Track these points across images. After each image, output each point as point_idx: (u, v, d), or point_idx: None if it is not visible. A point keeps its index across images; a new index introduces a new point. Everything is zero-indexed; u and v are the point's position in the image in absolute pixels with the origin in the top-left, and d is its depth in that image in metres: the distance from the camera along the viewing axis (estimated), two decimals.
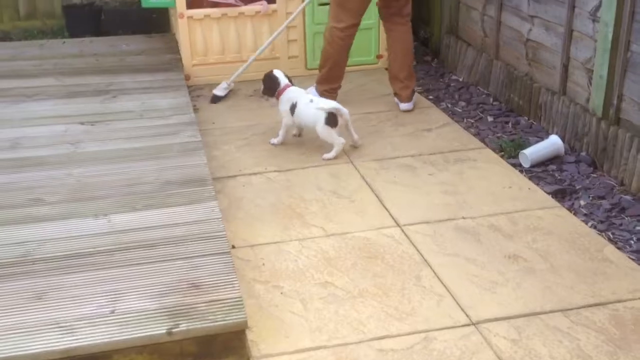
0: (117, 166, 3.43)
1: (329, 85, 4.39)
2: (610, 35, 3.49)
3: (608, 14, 3.49)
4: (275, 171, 3.70)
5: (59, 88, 4.55)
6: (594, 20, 3.65)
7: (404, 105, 4.44)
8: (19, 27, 6.10)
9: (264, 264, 2.88)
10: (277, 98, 3.96)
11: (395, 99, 4.50)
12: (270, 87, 3.99)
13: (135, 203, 3.08)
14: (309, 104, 3.82)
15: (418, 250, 2.95)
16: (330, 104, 3.80)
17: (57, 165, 3.43)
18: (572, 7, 3.82)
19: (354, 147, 3.91)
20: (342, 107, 3.81)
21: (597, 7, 3.60)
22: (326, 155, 3.80)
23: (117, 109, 4.20)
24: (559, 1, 3.93)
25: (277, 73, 4.01)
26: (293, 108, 3.87)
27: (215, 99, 4.69)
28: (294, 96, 3.89)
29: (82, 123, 3.96)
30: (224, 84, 4.75)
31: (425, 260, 2.88)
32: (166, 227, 2.89)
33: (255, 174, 3.67)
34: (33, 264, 2.64)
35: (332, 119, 3.74)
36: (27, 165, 3.43)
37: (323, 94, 4.34)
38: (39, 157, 3.53)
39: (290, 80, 4.01)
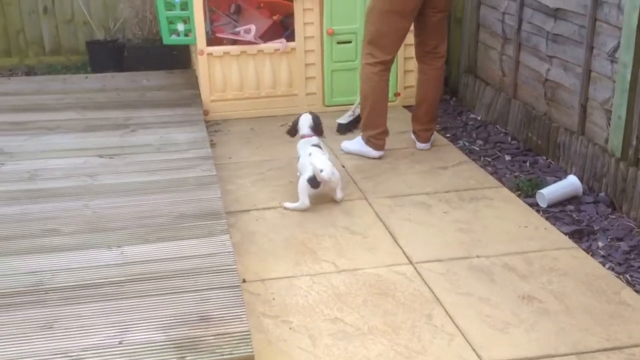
0: (132, 198, 3.45)
1: (373, 130, 4.25)
2: (628, 76, 3.48)
3: (627, 55, 3.48)
4: None
5: (79, 122, 4.62)
6: (612, 61, 3.65)
7: (421, 145, 4.43)
8: (43, 62, 6.23)
9: (274, 299, 2.86)
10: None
11: (413, 137, 4.50)
12: (292, 130, 4.00)
13: (148, 235, 3.09)
14: (306, 158, 3.69)
15: (430, 288, 2.92)
16: (321, 165, 3.56)
17: (74, 197, 3.46)
18: (591, 48, 3.82)
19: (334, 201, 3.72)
20: (333, 176, 3.59)
21: (616, 48, 3.60)
22: (287, 205, 3.65)
23: (135, 143, 4.25)
24: (577, 42, 3.93)
25: (302, 120, 3.93)
26: (298, 159, 3.84)
27: (341, 128, 4.74)
28: (300, 148, 3.85)
29: (100, 156, 4.01)
30: (349, 112, 4.82)
31: (437, 299, 2.84)
32: (177, 260, 2.89)
33: (269, 208, 3.67)
34: (45, 294, 2.64)
35: (314, 181, 3.58)
36: (44, 197, 3.46)
37: (370, 141, 4.25)
38: (56, 188, 3.56)
39: (316, 127, 3.91)
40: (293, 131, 3.99)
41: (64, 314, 2.51)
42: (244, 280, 2.98)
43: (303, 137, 3.91)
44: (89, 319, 2.48)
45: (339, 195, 3.72)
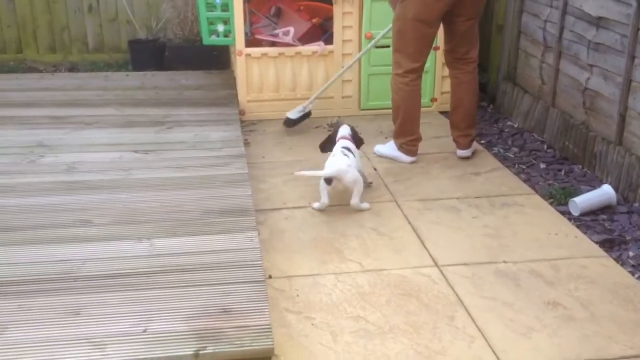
0: (164, 193, 3.51)
1: (405, 138, 4.25)
2: None
3: None
4: None
5: (117, 118, 4.72)
6: None
7: (461, 152, 4.37)
8: (86, 59, 6.37)
9: (298, 295, 2.88)
10: None
11: (455, 144, 4.42)
12: (327, 141, 3.97)
13: (177, 229, 3.14)
14: (331, 158, 3.74)
15: (454, 291, 2.91)
16: (335, 165, 3.62)
17: (108, 190, 3.54)
18: (632, 57, 3.76)
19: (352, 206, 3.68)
20: (347, 173, 3.58)
21: None
22: (314, 205, 3.68)
23: (170, 140, 4.32)
24: (619, 51, 3.87)
25: (342, 128, 3.94)
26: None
27: (289, 122, 4.82)
28: (335, 149, 3.84)
29: (135, 151, 4.09)
30: (299, 107, 4.88)
31: (461, 301, 2.83)
32: (205, 254, 2.93)
33: (299, 207, 3.70)
34: (75, 281, 2.71)
35: (328, 179, 3.61)
36: (79, 188, 3.54)
37: (402, 147, 4.26)
38: (91, 181, 3.64)
39: (354, 135, 3.93)
40: (328, 145, 3.92)
41: (91, 302, 2.57)
42: (270, 277, 3.01)
43: (339, 139, 3.90)
44: (114, 307, 2.54)
45: (354, 200, 3.64)
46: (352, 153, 3.78)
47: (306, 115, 4.90)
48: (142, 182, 3.66)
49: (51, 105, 4.99)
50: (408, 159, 4.29)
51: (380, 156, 4.39)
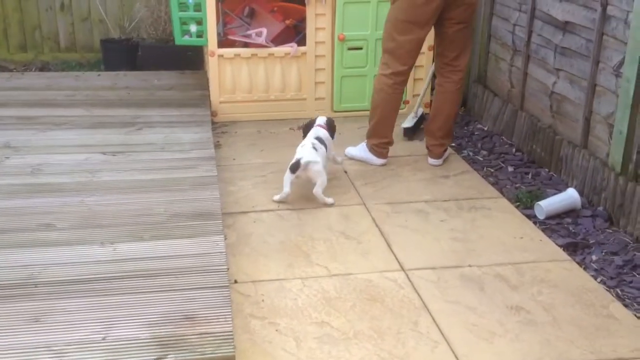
0: (130, 196, 3.49)
1: (378, 139, 4.26)
2: (631, 92, 3.46)
3: (631, 70, 3.46)
4: (287, 209, 3.71)
5: (87, 118, 4.67)
6: (617, 76, 3.63)
7: (432, 161, 4.35)
8: (58, 58, 6.31)
9: (263, 300, 2.88)
10: None
11: (370, 154, 4.35)
12: (308, 126, 4.10)
13: (142, 233, 3.13)
14: (300, 147, 3.86)
15: (419, 296, 2.92)
16: (302, 155, 3.74)
17: (73, 193, 3.51)
18: (597, 62, 3.80)
19: (323, 203, 3.77)
20: (314, 163, 3.71)
21: (621, 63, 3.58)
22: (275, 197, 3.79)
23: (139, 141, 4.29)
24: (584, 55, 3.91)
25: (319, 118, 4.12)
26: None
27: (408, 132, 4.74)
28: (305, 139, 3.96)
29: (103, 153, 4.06)
30: (411, 114, 4.83)
31: (425, 306, 2.85)
32: (169, 258, 2.92)
33: (267, 210, 3.70)
34: (34, 287, 2.68)
35: (294, 166, 3.70)
36: (43, 191, 3.51)
37: (373, 149, 4.26)
38: (56, 183, 3.61)
39: (329, 124, 4.08)
40: (306, 130, 4.05)
41: (51, 308, 2.55)
42: (236, 281, 3.00)
43: (316, 126, 4.01)
44: (75, 314, 2.52)
45: (317, 189, 3.73)
46: (324, 142, 3.91)
47: (421, 120, 4.86)
48: (108, 185, 3.63)
49: (19, 105, 4.94)
50: (379, 161, 4.31)
51: (351, 158, 4.40)
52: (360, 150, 4.39)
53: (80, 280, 2.73)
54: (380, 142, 4.28)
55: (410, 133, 4.74)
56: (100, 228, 3.15)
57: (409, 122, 4.80)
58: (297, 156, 3.76)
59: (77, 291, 2.65)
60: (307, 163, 3.71)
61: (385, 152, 4.31)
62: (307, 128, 4.08)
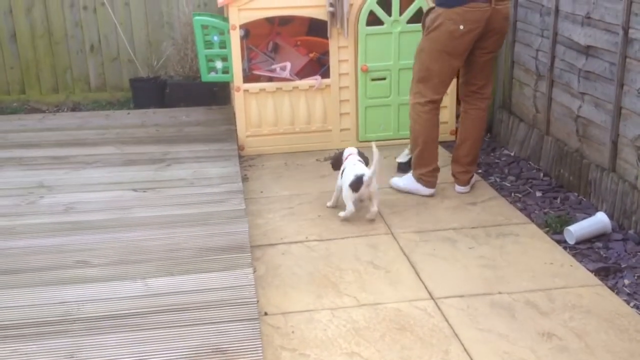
0: (161, 232, 3.56)
1: (425, 168, 4.22)
2: None
3: None
4: (315, 240, 3.74)
5: (117, 156, 4.79)
6: None
7: (460, 188, 4.34)
8: (89, 98, 6.46)
9: (293, 332, 2.89)
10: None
11: (453, 179, 4.40)
12: (337, 159, 4.12)
13: (173, 268, 3.18)
14: (351, 167, 3.90)
15: (449, 324, 2.92)
16: (362, 171, 3.82)
17: (106, 230, 3.59)
18: (621, 85, 3.79)
19: (369, 219, 3.90)
20: (374, 180, 3.80)
21: None
22: (340, 214, 3.92)
23: (169, 177, 4.38)
24: (608, 79, 3.91)
25: (347, 149, 4.13)
26: (342, 173, 3.97)
27: (403, 167, 4.65)
28: (347, 163, 3.98)
29: (134, 190, 4.14)
30: (405, 151, 4.70)
31: (456, 334, 2.84)
32: (200, 292, 2.96)
33: (295, 242, 3.73)
34: (71, 324, 2.75)
35: (355, 183, 3.78)
36: (77, 229, 3.60)
37: (421, 179, 4.22)
38: (89, 221, 3.69)
39: (361, 155, 4.07)
40: (337, 163, 4.08)
41: (85, 344, 2.60)
42: (265, 313, 3.03)
43: (347, 156, 4.04)
44: (109, 349, 2.57)
45: (374, 208, 3.86)
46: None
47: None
48: (139, 221, 3.70)
49: (52, 145, 5.07)
50: (427, 191, 4.25)
51: (398, 190, 4.36)
52: (406, 180, 4.35)
53: (113, 316, 2.78)
54: (427, 171, 4.23)
55: (405, 168, 4.63)
56: (133, 264, 3.22)
57: (402, 158, 4.73)
58: (354, 173, 3.80)
59: (111, 327, 2.71)
60: (370, 178, 3.77)
61: (434, 180, 4.26)
62: (336, 161, 4.10)
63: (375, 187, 3.85)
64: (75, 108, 6.34)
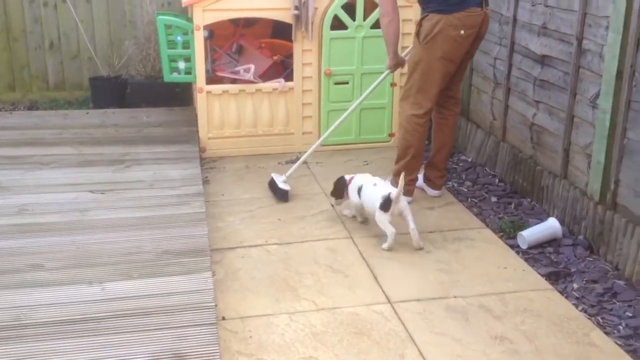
0: (119, 234, 3.54)
1: (408, 176, 4.10)
2: (607, 122, 3.55)
3: (606, 102, 3.56)
4: (275, 244, 3.76)
5: (75, 157, 4.73)
6: (593, 107, 3.72)
7: (434, 192, 4.41)
8: (46, 97, 6.38)
9: (251, 337, 2.91)
10: (348, 194, 3.97)
11: (424, 184, 4.44)
12: (339, 187, 4.01)
13: (131, 271, 3.17)
14: (372, 187, 3.81)
15: (406, 328, 2.97)
16: (388, 189, 3.73)
17: (62, 232, 3.55)
18: (574, 94, 3.90)
19: (416, 248, 3.71)
20: (401, 195, 3.69)
21: (597, 95, 3.67)
22: (384, 245, 3.70)
23: (128, 179, 4.35)
24: (562, 88, 4.01)
25: (344, 177, 4.03)
26: (359, 190, 3.88)
27: (284, 195, 4.36)
28: (360, 181, 3.90)
29: (92, 191, 4.10)
30: (283, 177, 4.45)
31: (412, 338, 2.89)
32: (157, 297, 2.96)
33: (255, 246, 3.74)
34: (23, 329, 2.71)
35: (386, 204, 3.66)
36: (31, 231, 3.55)
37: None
38: (44, 223, 3.65)
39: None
40: (340, 192, 4.00)
41: (38, 350, 2.57)
42: (223, 318, 3.03)
43: (350, 179, 3.97)
44: (63, 355, 2.55)
45: (411, 225, 3.68)
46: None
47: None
48: (97, 224, 3.67)
49: (7, 144, 4.99)
50: (406, 199, 4.22)
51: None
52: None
53: (68, 320, 2.76)
54: (408, 180, 4.19)
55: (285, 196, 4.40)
56: (89, 267, 3.19)
57: (285, 186, 4.41)
58: (380, 194, 3.68)
59: (65, 332, 2.68)
60: (398, 195, 3.66)
61: (412, 189, 4.29)
62: (341, 186, 4.01)
63: (405, 201, 3.75)
64: (32, 107, 6.25)
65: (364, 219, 4.01)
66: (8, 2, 6.15)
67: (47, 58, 6.37)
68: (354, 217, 4.06)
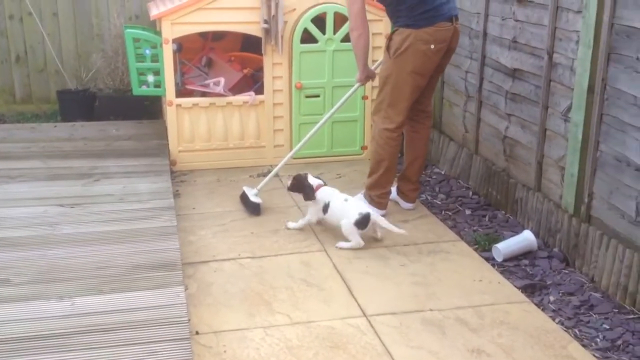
0: (89, 249, 3.46)
1: (380, 190, 4.21)
2: (580, 136, 3.58)
3: (578, 115, 3.59)
4: (248, 257, 3.71)
5: (43, 170, 4.63)
6: (565, 120, 3.75)
7: (408, 205, 4.40)
8: (13, 110, 6.26)
9: (225, 351, 2.85)
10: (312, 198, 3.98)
11: (397, 197, 4.44)
12: (305, 188, 3.99)
13: (102, 286, 3.09)
14: (343, 203, 3.85)
15: (382, 342, 2.93)
16: (363, 209, 3.81)
17: (30, 247, 3.46)
18: (546, 108, 3.93)
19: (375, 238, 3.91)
20: (380, 217, 3.81)
21: (569, 108, 3.71)
22: (341, 244, 3.82)
23: (97, 192, 4.27)
24: (534, 101, 4.05)
25: (309, 177, 4.03)
26: (326, 208, 3.89)
27: (256, 208, 4.32)
28: (327, 195, 3.92)
29: (61, 205, 4.02)
30: (254, 190, 4.40)
31: (388, 352, 2.86)
32: (129, 311, 2.89)
33: (228, 259, 3.68)
34: None
35: (362, 223, 3.75)
36: None
37: (374, 200, 4.19)
38: (11, 237, 3.56)
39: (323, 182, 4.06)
40: (311, 193, 3.97)
41: None
42: (197, 332, 2.97)
43: (319, 187, 3.98)
44: None
45: (379, 234, 3.89)
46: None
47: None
48: (66, 238, 3.59)
49: None
50: (380, 212, 4.18)
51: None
52: (358, 202, 4.24)
53: (37, 336, 2.68)
54: (381, 193, 4.23)
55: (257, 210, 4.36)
56: (59, 282, 3.11)
57: (257, 199, 4.36)
58: (359, 212, 3.76)
59: (34, 348, 2.60)
60: (376, 216, 3.79)
61: (386, 202, 4.27)
62: (301, 185, 4.00)
63: (381, 223, 3.82)
64: None
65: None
66: None
67: (14, 71, 6.26)
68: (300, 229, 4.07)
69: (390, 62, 4.02)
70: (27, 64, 6.26)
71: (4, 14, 6.10)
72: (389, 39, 4.04)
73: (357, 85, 4.36)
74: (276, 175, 4.60)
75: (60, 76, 6.28)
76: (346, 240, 3.83)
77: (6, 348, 2.60)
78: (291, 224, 4.06)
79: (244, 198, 4.38)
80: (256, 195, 4.36)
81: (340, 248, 3.80)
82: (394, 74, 4.01)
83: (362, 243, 3.78)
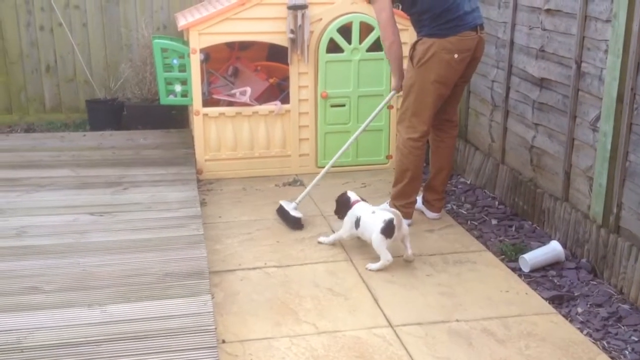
0: (118, 257, 3.50)
1: (406, 200, 4.20)
2: (609, 145, 3.55)
3: (607, 125, 3.56)
4: (274, 266, 3.72)
5: (72, 179, 4.70)
6: (594, 130, 3.72)
7: (433, 215, 4.39)
8: (43, 119, 6.37)
9: None
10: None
11: (423, 207, 4.43)
12: (342, 206, 3.98)
13: (130, 294, 3.13)
14: (371, 215, 3.78)
15: (408, 352, 2.93)
16: (390, 214, 3.70)
17: (60, 254, 3.51)
18: (574, 117, 3.90)
19: (406, 261, 3.78)
20: (403, 222, 3.72)
21: (597, 118, 3.68)
22: (371, 266, 3.71)
23: (126, 201, 4.32)
24: (562, 111, 4.02)
25: (350, 193, 4.01)
26: (357, 222, 3.85)
27: (297, 222, 4.26)
28: (359, 211, 3.87)
29: (90, 214, 4.07)
30: (293, 204, 4.33)
31: None
32: (157, 320, 2.92)
33: (254, 268, 3.70)
34: (21, 352, 2.66)
35: (388, 229, 3.65)
36: (29, 254, 3.51)
37: (398, 209, 4.10)
38: (42, 245, 3.61)
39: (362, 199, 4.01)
40: (343, 210, 3.96)
41: None
42: (223, 341, 2.99)
43: (355, 202, 3.93)
44: None
45: (409, 251, 3.76)
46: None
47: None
48: (96, 246, 3.64)
49: (4, 167, 4.95)
50: (405, 221, 4.09)
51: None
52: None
53: (67, 344, 2.71)
54: (407, 203, 4.21)
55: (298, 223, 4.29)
56: (89, 290, 3.15)
57: (297, 213, 4.31)
58: (382, 219, 3.66)
59: (64, 355, 2.64)
60: (401, 220, 3.70)
61: (412, 212, 4.26)
62: (343, 206, 3.98)
63: (407, 228, 3.78)
64: (29, 129, 6.23)
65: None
66: (5, 26, 6.16)
67: (44, 81, 6.36)
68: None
69: (413, 72, 4.03)
70: (57, 73, 6.36)
71: (35, 25, 6.21)
72: (412, 48, 4.04)
73: (392, 93, 4.37)
74: (301, 184, 4.61)
75: (90, 86, 6.38)
76: (376, 256, 3.74)
77: (36, 355, 2.64)
78: (323, 239, 4.04)
79: (282, 212, 4.33)
80: (295, 209, 4.31)
81: (370, 270, 3.70)
82: (417, 83, 4.01)
83: (390, 259, 3.67)
